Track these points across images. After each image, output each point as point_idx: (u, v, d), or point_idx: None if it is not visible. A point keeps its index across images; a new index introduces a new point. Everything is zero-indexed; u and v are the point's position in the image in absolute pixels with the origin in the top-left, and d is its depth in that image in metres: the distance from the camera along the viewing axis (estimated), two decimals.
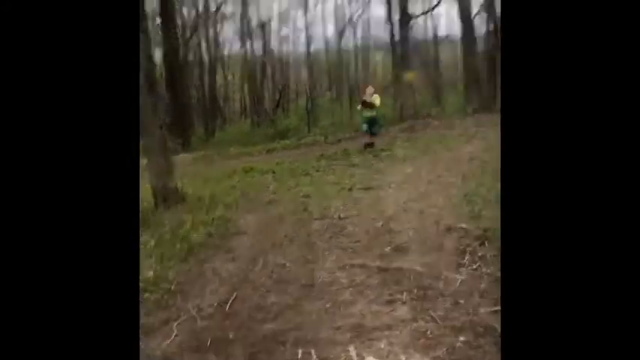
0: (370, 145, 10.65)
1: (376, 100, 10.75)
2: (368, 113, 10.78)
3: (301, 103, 29.07)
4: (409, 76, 15.22)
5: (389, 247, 4.53)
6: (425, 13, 19.58)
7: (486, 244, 4.35)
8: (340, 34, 34.00)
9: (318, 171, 8.70)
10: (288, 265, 4.33)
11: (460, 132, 11.99)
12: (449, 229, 4.91)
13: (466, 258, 4.12)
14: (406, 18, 15.18)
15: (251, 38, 30.57)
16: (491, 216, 5.14)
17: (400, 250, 4.47)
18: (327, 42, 36.53)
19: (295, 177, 8.37)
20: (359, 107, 11.58)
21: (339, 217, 5.63)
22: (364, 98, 11.03)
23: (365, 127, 10.94)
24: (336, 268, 4.16)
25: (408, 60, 15.31)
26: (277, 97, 32.53)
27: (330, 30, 54.97)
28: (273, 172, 9.00)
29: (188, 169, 11.23)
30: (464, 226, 4.94)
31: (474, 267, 3.93)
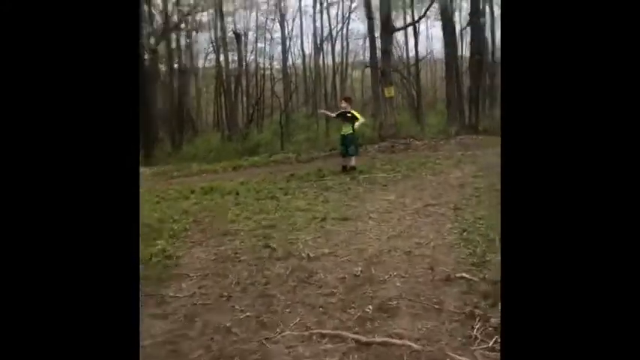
0: (351, 168, 9.33)
1: (355, 112, 9.59)
2: (344, 130, 9.60)
3: (276, 118, 27.94)
4: (389, 91, 14.25)
5: (371, 306, 3.42)
6: (407, 26, 18.75)
7: (499, 307, 3.27)
8: (318, 48, 33.21)
9: (286, 194, 7.55)
10: (234, 330, 3.18)
11: (445, 154, 11.02)
12: (447, 280, 3.83)
13: (476, 327, 3.04)
14: (388, 30, 14.27)
15: (225, 49, 29.51)
16: (498, 262, 4.08)
17: (386, 310, 3.36)
18: (304, 57, 35.79)
19: (260, 201, 7.21)
20: (320, 112, 10.71)
21: (308, 257, 4.49)
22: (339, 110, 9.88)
23: (342, 148, 9.67)
24: (299, 338, 3.02)
25: (388, 75, 14.36)
26: (251, 111, 31.45)
27: (308, 45, 54.21)
28: (236, 194, 7.83)
29: (141, 186, 9.99)
30: (466, 275, 3.87)
31: (490, 344, 2.84)
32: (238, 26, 32.97)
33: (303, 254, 4.57)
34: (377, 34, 15.58)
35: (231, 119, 28.75)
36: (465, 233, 4.98)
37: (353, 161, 9.40)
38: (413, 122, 21.47)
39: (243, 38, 33.48)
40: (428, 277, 3.91)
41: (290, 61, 35.29)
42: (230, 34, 30.35)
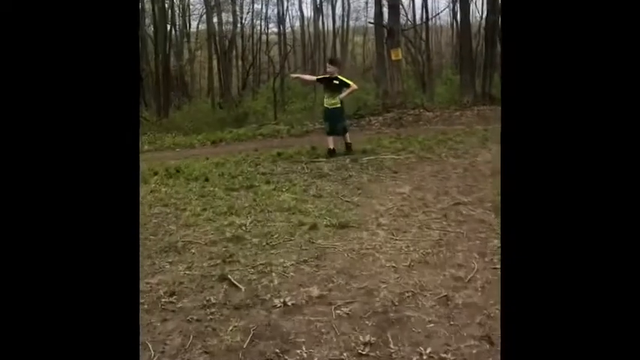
0: (347, 146, 7.45)
1: (343, 78, 7.42)
2: (328, 101, 7.40)
3: (272, 85, 25.93)
4: (395, 53, 12.37)
5: None
6: None
7: None
8: (318, 9, 31.04)
9: (268, 182, 5.81)
10: None
11: (464, 129, 9.25)
12: None
13: None
14: None
15: (219, 10, 27.45)
16: None
17: None
18: (302, 18, 33.71)
19: (232, 192, 5.48)
20: (293, 76, 9.06)
21: (284, 305, 2.81)
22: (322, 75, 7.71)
23: (326, 125, 7.53)
24: None
25: (396, 35, 12.45)
26: (245, 76, 29.49)
27: (308, 6, 51.84)
28: (205, 180, 6.10)
29: None
30: None
31: None
32: None
33: (276, 299, 2.88)
34: None
35: (225, 85, 26.85)
36: None
37: (347, 138, 7.49)
38: (419, 91, 19.59)
39: None
40: None
41: (288, 24, 33.34)
42: None
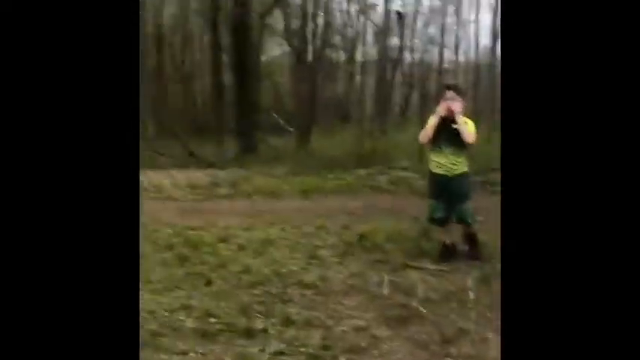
0: (471, 246, 4.42)
1: (465, 120, 4.22)
2: (448, 160, 4.24)
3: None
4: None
5: None
6: None
7: None
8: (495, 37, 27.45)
9: None
10: None
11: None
12: None
13: None
14: None
15: (386, 33, 25.49)
16: None
17: None
18: (478, 49, 30.17)
19: None
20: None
21: None
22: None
23: (439, 209, 4.35)
24: None
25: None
26: (405, 102, 26.83)
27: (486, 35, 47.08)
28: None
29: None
30: None
31: None
32: (402, 3, 28.53)
33: None
34: None
35: (382, 112, 24.75)
36: None
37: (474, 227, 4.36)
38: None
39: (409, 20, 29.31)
40: None
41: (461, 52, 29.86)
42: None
